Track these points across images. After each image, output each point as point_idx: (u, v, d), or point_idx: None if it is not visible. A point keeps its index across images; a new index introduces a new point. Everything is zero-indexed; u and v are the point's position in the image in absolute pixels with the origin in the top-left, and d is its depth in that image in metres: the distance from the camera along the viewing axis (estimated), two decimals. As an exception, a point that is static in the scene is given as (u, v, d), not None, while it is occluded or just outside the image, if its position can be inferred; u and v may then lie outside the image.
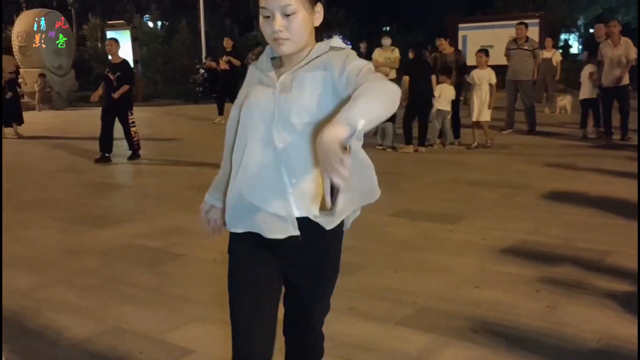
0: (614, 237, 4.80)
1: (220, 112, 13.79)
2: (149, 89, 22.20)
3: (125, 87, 8.81)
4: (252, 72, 1.95)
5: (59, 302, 3.80)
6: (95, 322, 3.47)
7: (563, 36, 28.73)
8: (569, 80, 16.87)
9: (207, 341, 3.18)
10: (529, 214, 5.59)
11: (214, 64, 14.72)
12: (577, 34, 34.11)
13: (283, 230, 1.81)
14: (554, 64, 14.54)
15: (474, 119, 9.34)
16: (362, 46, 15.44)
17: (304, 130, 1.76)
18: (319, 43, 1.85)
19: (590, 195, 6.22)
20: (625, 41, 9.54)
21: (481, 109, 9.22)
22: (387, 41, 13.29)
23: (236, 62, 13.68)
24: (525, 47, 10.66)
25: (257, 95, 1.85)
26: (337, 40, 1.86)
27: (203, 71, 20.77)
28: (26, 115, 12.88)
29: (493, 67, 9.71)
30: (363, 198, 1.89)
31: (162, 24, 30.49)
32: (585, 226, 5.14)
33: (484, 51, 9.55)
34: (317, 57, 1.82)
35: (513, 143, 9.74)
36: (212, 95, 20.81)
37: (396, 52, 13.13)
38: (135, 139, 9.10)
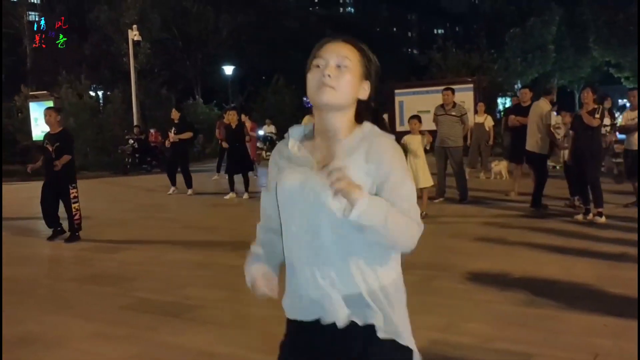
0: (540, 334, 4.11)
1: (173, 182, 13.30)
2: (77, 160, 21.11)
3: (66, 158, 8.10)
4: (276, 156, 1.86)
5: None
6: None
7: (500, 100, 28.99)
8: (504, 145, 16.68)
9: None
10: (445, 303, 4.88)
11: (158, 137, 13.89)
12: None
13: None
14: (487, 128, 14.31)
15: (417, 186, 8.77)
16: None
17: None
18: (365, 124, 1.79)
19: (516, 276, 5.59)
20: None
21: (418, 175, 8.61)
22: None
23: (187, 136, 13.13)
24: (453, 113, 10.21)
25: (291, 176, 1.76)
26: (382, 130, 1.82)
27: (132, 141, 19.96)
28: None
29: (431, 132, 9.65)
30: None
31: (97, 93, 29.72)
32: (508, 318, 4.45)
33: (416, 117, 9.07)
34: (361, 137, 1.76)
35: (443, 214, 9.13)
36: (142, 166, 20.03)
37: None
38: (76, 217, 8.27)
